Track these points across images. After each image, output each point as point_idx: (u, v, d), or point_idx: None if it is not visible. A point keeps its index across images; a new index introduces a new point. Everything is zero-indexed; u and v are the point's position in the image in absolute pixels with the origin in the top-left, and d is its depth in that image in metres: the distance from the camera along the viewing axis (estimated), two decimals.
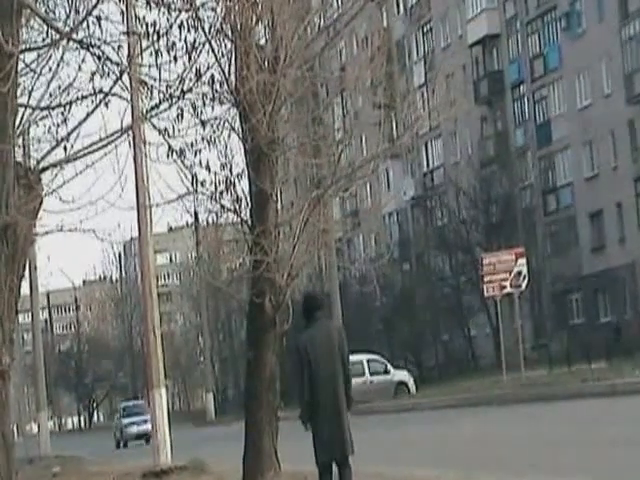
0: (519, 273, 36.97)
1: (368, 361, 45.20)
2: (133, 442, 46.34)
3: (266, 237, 13.71)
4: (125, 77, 9.16)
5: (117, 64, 8.90)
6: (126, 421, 47.71)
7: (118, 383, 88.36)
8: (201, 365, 72.67)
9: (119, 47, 9.00)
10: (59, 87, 9.77)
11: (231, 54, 13.61)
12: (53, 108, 9.49)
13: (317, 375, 10.18)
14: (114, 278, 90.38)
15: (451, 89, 56.04)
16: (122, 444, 47.52)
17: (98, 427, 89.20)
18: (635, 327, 44.69)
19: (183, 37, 9.42)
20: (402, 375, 45.84)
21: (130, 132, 9.61)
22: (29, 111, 9.60)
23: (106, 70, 8.89)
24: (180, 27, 9.30)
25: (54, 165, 9.28)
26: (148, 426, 45.51)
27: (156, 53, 8.99)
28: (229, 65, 13.66)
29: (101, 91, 9.01)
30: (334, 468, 10.33)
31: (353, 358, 45.83)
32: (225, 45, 13.57)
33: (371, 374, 44.54)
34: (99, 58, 8.84)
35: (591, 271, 50.88)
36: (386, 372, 44.79)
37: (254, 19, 13.36)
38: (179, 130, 11.08)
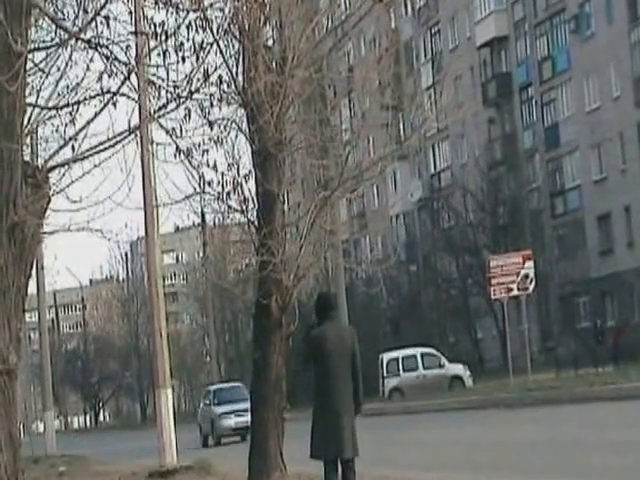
0: (526, 276, 36.94)
1: (422, 355, 44.89)
2: (229, 438, 35.14)
3: (273, 238, 13.72)
4: (133, 77, 9.16)
5: (125, 64, 8.91)
6: (220, 410, 35.29)
7: (124, 383, 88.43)
8: (207, 366, 72.72)
9: (127, 47, 9.00)
10: (67, 87, 9.79)
11: (239, 55, 13.63)
12: (61, 108, 9.50)
13: (325, 373, 10.21)
14: (121, 278, 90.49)
15: (459, 91, 56.13)
16: (214, 441, 35.73)
17: (104, 427, 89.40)
18: (613, 334, 44.55)
19: (191, 37, 9.41)
20: (457, 369, 44.94)
21: (138, 132, 9.60)
22: (37, 110, 9.61)
23: (114, 70, 8.89)
24: (188, 27, 9.30)
25: (62, 164, 9.29)
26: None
27: (164, 53, 9.00)
28: (237, 66, 13.68)
29: (109, 91, 9.01)
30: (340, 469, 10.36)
31: (408, 352, 45.89)
32: (233, 46, 13.60)
33: (425, 368, 44.19)
34: (107, 58, 8.84)
35: (599, 274, 50.79)
36: (440, 366, 44.33)
37: (262, 20, 13.37)
38: (186, 130, 11.08)
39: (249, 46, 13.26)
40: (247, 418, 32.15)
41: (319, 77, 14.67)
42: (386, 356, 44.86)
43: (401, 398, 42.56)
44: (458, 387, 42.95)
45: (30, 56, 9.01)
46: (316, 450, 10.23)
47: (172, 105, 9.53)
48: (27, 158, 9.37)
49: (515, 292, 37.22)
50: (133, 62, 9.00)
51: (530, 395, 31.15)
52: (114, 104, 9.08)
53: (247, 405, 33.16)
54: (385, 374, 44.54)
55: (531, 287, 37.34)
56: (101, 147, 9.11)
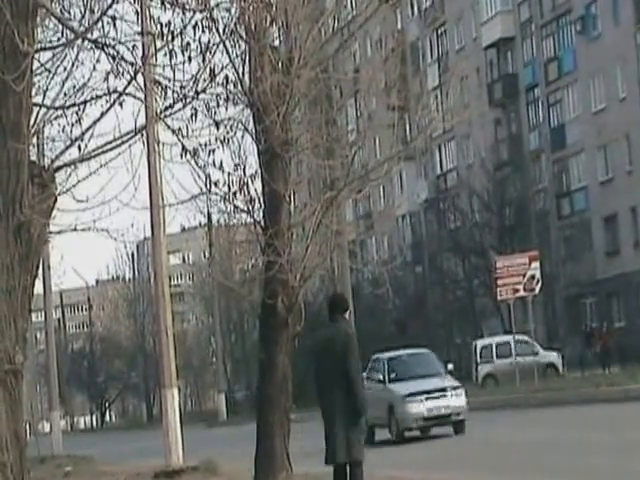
0: (532, 277, 36.96)
1: (516, 342, 44.72)
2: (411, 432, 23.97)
3: (279, 238, 13.72)
4: (139, 77, 9.16)
5: (131, 64, 8.91)
6: (402, 390, 23.66)
7: (130, 383, 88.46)
8: (213, 366, 72.75)
9: (133, 47, 9.00)
10: (74, 87, 9.81)
11: (245, 55, 13.65)
12: (67, 107, 9.51)
13: (320, 376, 10.27)
14: (127, 278, 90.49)
15: (465, 92, 56.12)
16: (394, 435, 23.58)
17: (110, 427, 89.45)
18: (602, 337, 44.46)
19: (197, 37, 9.41)
20: (551, 356, 44.24)
21: (144, 132, 9.61)
22: (44, 110, 9.62)
23: (120, 70, 8.90)
24: (194, 27, 9.30)
25: (68, 164, 9.30)
26: (455, 400, 23.08)
27: (170, 53, 9.00)
28: (243, 66, 13.69)
29: (115, 91, 9.02)
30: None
31: (501, 338, 45.37)
32: (239, 46, 13.61)
33: (518, 355, 43.98)
34: (114, 58, 8.85)
35: (605, 275, 50.75)
36: (534, 353, 43.97)
37: (268, 20, 13.39)
38: (193, 130, 11.06)
39: (255, 46, 13.27)
40: (446, 402, 22.59)
41: (325, 77, 14.67)
42: (480, 343, 44.86)
43: (495, 384, 42.20)
44: (552, 374, 42.38)
45: (36, 56, 9.02)
46: (326, 456, 10.27)
47: (178, 105, 9.54)
48: (33, 158, 9.38)
49: (521, 293, 37.24)
50: (139, 62, 9.01)
51: (536, 396, 31.13)
52: (120, 104, 9.09)
53: (443, 382, 23.42)
54: (479, 360, 44.40)
55: (537, 288, 37.34)
56: (107, 147, 9.11)
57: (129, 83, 9.03)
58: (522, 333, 45.87)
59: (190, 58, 9.23)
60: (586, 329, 46.64)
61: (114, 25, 8.64)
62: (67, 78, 9.83)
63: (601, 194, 51.56)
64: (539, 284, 37.22)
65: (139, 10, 9.39)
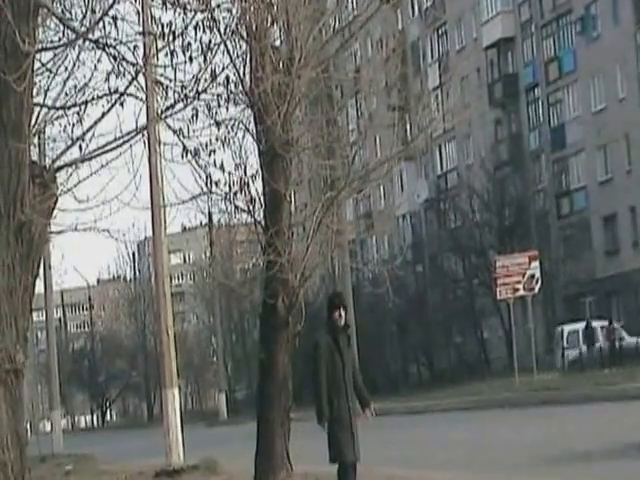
0: (532, 276, 37.00)
1: (602, 327, 44.32)
2: None
3: (279, 238, 13.75)
4: (140, 77, 9.19)
5: (133, 64, 8.93)
6: None
7: (131, 382, 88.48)
8: (214, 365, 72.81)
9: (135, 47, 9.03)
10: (75, 87, 9.85)
11: (246, 55, 13.67)
12: (69, 107, 9.53)
13: None
14: (128, 277, 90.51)
15: (465, 92, 56.18)
16: None
17: (111, 426, 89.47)
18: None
19: (198, 38, 9.44)
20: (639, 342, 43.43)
21: (145, 132, 9.63)
22: (45, 110, 9.65)
23: (122, 70, 8.92)
24: (196, 28, 9.32)
25: (69, 164, 9.32)
26: None
27: (171, 53, 9.02)
28: (244, 66, 13.72)
29: (116, 91, 9.04)
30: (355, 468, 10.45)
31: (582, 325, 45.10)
32: (240, 46, 13.64)
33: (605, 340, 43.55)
34: (115, 58, 8.87)
35: (604, 275, 50.79)
36: (621, 339, 43.04)
37: (269, 20, 13.40)
38: (194, 130, 11.09)
39: (256, 46, 13.29)
40: None
41: (326, 77, 14.69)
42: (566, 328, 44.71)
43: (581, 370, 41.99)
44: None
45: (38, 56, 9.04)
46: None
47: (179, 105, 9.56)
48: (34, 158, 9.40)
49: (521, 292, 37.28)
50: (141, 62, 9.03)
51: (535, 395, 31.15)
52: (121, 104, 9.11)
53: None
54: (565, 346, 44.26)
55: (537, 287, 37.38)
56: (108, 147, 9.13)
57: (130, 83, 9.05)
58: (604, 319, 45.75)
59: (191, 58, 9.26)
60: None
61: (115, 25, 8.66)
62: (68, 78, 9.88)
63: (601, 194, 51.59)
64: (539, 283, 37.27)
65: (140, 10, 9.41)
